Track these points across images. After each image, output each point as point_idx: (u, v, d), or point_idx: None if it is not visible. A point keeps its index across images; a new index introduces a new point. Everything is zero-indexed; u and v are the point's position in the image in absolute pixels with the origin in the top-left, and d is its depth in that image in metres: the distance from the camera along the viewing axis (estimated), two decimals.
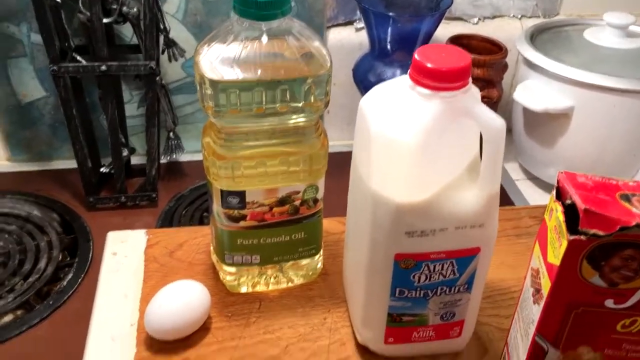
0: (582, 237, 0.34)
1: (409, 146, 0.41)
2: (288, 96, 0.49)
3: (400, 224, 0.44)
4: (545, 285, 0.38)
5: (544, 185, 1.12)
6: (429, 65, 0.40)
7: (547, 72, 0.93)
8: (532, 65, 0.97)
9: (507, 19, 1.22)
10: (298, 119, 0.51)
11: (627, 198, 0.35)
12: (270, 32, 0.49)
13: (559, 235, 0.36)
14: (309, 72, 0.49)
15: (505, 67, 1.04)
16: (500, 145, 0.42)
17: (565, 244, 0.35)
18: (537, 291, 0.40)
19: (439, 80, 0.40)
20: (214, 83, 0.48)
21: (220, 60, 0.48)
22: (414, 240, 0.44)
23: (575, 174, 0.37)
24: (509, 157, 1.17)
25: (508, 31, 1.19)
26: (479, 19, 1.20)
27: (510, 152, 1.16)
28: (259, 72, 0.48)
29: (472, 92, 0.43)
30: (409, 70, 0.42)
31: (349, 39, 1.12)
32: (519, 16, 1.22)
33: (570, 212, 0.35)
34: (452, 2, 0.98)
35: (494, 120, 0.41)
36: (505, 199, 1.11)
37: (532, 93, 0.96)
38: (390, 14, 0.93)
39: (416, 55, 0.41)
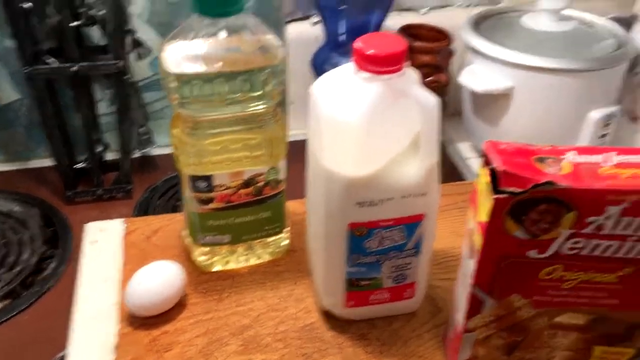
0: (503, 196, 0.38)
1: (354, 125, 0.44)
2: (247, 86, 0.52)
3: (351, 196, 0.47)
4: (478, 241, 0.42)
5: None
6: (368, 52, 0.43)
7: (487, 56, 0.98)
8: (475, 50, 1.01)
9: (455, 8, 1.26)
10: (257, 107, 0.54)
11: (541, 160, 0.39)
12: (227, 28, 0.51)
13: (486, 196, 0.40)
14: (265, 63, 0.52)
15: (451, 53, 1.08)
16: (434, 120, 0.45)
17: (491, 202, 0.38)
18: (472, 248, 0.44)
19: (377, 64, 0.43)
20: (177, 76, 0.50)
21: (182, 55, 0.51)
22: (365, 210, 0.48)
23: (499, 142, 0.40)
24: (461, 137, 1.21)
25: (456, 20, 1.23)
26: (428, 9, 1.24)
27: (462, 132, 1.20)
28: (219, 64, 0.51)
29: (409, 75, 0.46)
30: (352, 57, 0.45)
31: (307, 32, 1.15)
32: (465, 5, 1.26)
33: (495, 175, 0.39)
34: None
35: (428, 99, 0.44)
36: (458, 176, 1.16)
37: (475, 76, 1.00)
38: (342, 7, 0.96)
39: (357, 43, 0.44)
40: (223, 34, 0.51)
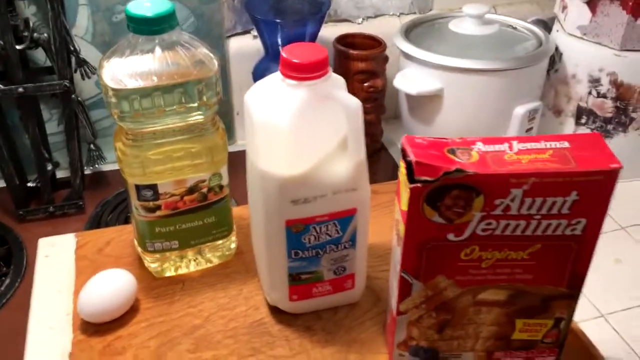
0: (418, 185, 0.40)
1: (283, 128, 0.46)
2: (184, 98, 0.53)
3: (285, 194, 0.49)
4: (402, 229, 0.44)
5: None
6: (292, 60, 0.46)
7: (418, 60, 1.01)
8: (407, 55, 1.05)
9: (387, 17, 1.30)
10: (195, 117, 0.55)
11: (452, 151, 0.42)
12: (162, 44, 0.53)
13: (405, 187, 0.42)
14: (199, 76, 0.53)
15: (386, 59, 1.12)
16: (358, 120, 0.48)
17: (408, 191, 0.41)
18: (398, 236, 0.46)
19: (301, 72, 0.45)
20: (116, 91, 0.51)
21: (120, 71, 0.52)
22: (300, 207, 0.49)
23: (414, 137, 0.43)
24: (401, 138, 1.25)
25: (389, 28, 1.26)
26: (363, 19, 1.27)
27: (401, 133, 1.23)
28: (156, 79, 0.52)
29: (333, 80, 0.48)
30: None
31: (248, 46, 1.16)
32: (398, 14, 1.30)
33: (410, 167, 0.41)
34: (329, 6, 1.04)
35: (351, 101, 0.47)
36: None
37: (408, 79, 1.03)
38: (277, 20, 0.98)
39: (282, 53, 0.46)
40: (158, 50, 0.52)
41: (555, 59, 1.15)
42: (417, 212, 0.42)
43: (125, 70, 0.52)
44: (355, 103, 0.47)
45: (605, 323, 0.85)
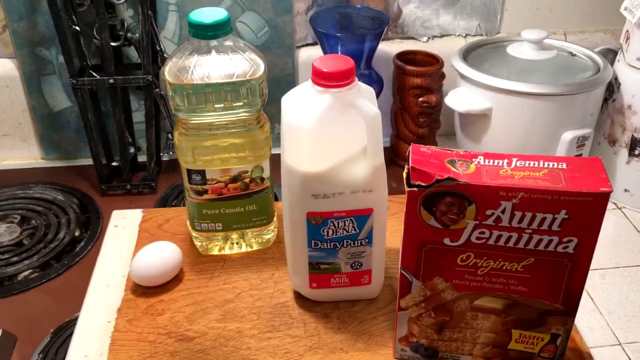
0: (414, 189, 0.41)
1: (307, 129, 0.48)
2: (231, 96, 0.57)
3: (306, 188, 0.51)
4: (403, 229, 0.45)
5: None
6: (321, 69, 0.48)
7: (469, 79, 1.00)
8: (461, 74, 1.04)
9: (453, 37, 1.28)
10: (241, 114, 0.58)
11: (452, 162, 0.42)
12: (216, 48, 0.56)
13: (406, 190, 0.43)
14: (246, 78, 0.56)
15: (442, 76, 1.11)
16: (377, 128, 0.49)
17: (406, 194, 0.42)
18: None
19: (326, 79, 0.48)
20: (172, 85, 0.56)
21: (178, 69, 0.56)
22: (319, 201, 0.51)
23: (420, 146, 0.44)
24: None
25: (454, 47, 1.25)
26: (429, 37, 1.27)
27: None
28: (207, 77, 0.56)
29: (357, 89, 0.50)
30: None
31: (317, 56, 1.19)
32: (464, 35, 1.28)
33: (409, 173, 0.42)
34: (388, 23, 1.05)
35: (371, 109, 0.48)
36: None
37: (459, 98, 1.03)
38: (337, 34, 1.01)
39: (314, 62, 0.49)
40: (213, 53, 0.56)
41: (614, 88, 1.10)
42: (414, 215, 0.43)
43: (182, 68, 0.56)
44: (373, 113, 0.48)
45: (621, 351, 0.81)
